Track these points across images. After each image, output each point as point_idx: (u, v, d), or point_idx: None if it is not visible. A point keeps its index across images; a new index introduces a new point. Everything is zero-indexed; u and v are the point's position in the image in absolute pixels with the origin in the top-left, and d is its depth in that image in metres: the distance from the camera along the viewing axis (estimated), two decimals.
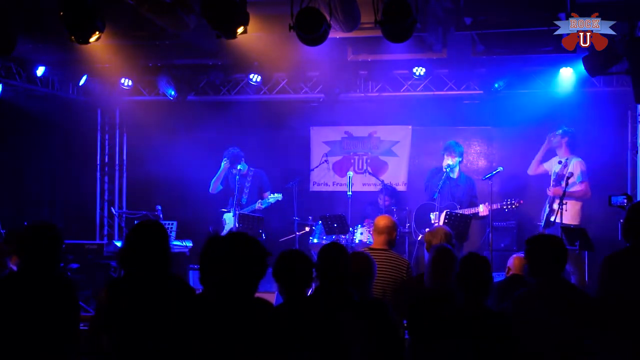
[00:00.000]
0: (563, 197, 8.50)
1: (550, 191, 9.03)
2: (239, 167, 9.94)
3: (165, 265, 3.98)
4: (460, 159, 9.45)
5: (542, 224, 9.25)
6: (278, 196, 9.87)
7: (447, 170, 9.26)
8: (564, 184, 8.78)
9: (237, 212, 9.58)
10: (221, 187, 10.18)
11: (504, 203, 8.96)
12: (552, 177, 9.33)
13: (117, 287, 4.02)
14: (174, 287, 3.92)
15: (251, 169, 10.01)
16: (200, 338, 2.99)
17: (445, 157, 9.37)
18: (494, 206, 8.93)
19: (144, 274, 3.93)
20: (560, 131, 9.42)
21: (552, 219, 8.76)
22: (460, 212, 8.81)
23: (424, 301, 4.83)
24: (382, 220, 6.12)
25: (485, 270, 4.21)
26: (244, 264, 2.99)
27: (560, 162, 9.31)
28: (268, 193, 9.94)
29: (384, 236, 6.01)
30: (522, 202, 9.05)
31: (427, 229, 9.27)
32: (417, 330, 4.33)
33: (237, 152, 10.03)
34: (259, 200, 9.86)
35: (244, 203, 9.85)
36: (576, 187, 9.09)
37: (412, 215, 9.83)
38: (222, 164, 10.04)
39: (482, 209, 9.00)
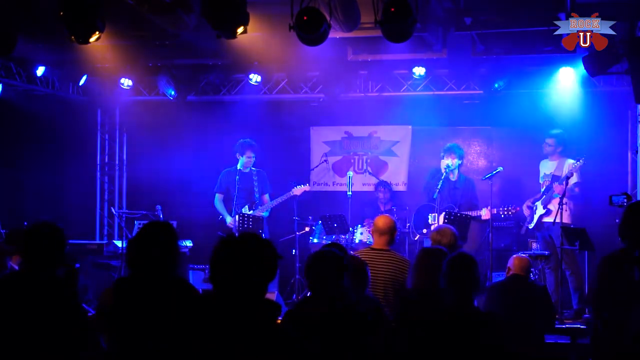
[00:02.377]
0: (563, 197, 8.51)
1: (558, 188, 8.98)
2: (247, 168, 9.81)
3: (173, 267, 3.96)
4: (460, 162, 9.46)
5: (532, 225, 9.26)
6: (305, 187, 9.78)
7: (447, 170, 9.28)
8: (564, 184, 8.77)
9: (241, 212, 9.53)
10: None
11: (501, 209, 8.98)
12: (547, 179, 9.31)
13: (123, 287, 4.01)
14: (178, 289, 3.92)
15: (254, 168, 9.95)
16: (202, 338, 2.99)
17: (444, 158, 9.39)
18: (493, 211, 8.95)
19: (150, 274, 3.92)
20: (550, 137, 9.40)
21: (550, 219, 8.76)
22: (460, 212, 8.83)
23: (412, 301, 4.85)
24: (382, 221, 6.09)
25: (471, 269, 4.19)
26: (253, 264, 2.99)
27: (552, 161, 9.36)
28: (267, 196, 9.84)
29: (386, 237, 5.99)
30: (518, 209, 9.08)
31: (424, 230, 9.36)
32: (408, 329, 4.34)
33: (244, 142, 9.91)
34: (280, 197, 9.67)
35: (257, 202, 9.78)
36: (575, 192, 9.09)
37: (411, 215, 9.83)
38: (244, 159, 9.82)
39: (485, 213, 9.00)
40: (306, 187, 9.81)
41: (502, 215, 9.08)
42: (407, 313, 4.63)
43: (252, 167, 9.84)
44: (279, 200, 9.74)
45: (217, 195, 9.95)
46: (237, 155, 9.84)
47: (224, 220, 9.80)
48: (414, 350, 4.14)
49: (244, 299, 2.93)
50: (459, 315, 4.05)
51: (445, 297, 4.15)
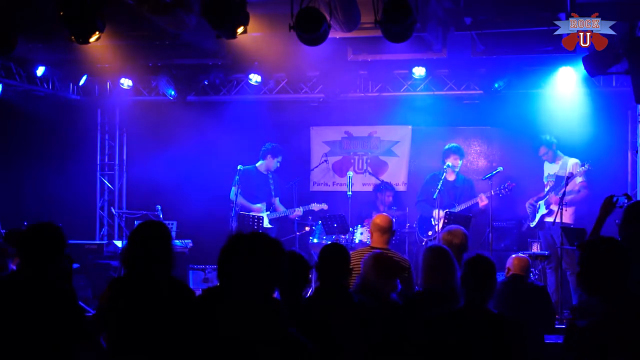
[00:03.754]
0: (563, 197, 8.51)
1: (553, 198, 9.06)
2: (268, 170, 9.88)
3: (168, 266, 3.97)
4: (461, 163, 9.58)
5: (534, 224, 9.28)
6: (323, 205, 9.94)
7: (446, 170, 9.37)
8: (564, 185, 8.77)
9: (239, 212, 9.54)
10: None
11: (499, 188, 9.06)
12: (550, 179, 9.32)
13: (118, 286, 4.02)
14: (172, 288, 3.92)
15: (271, 172, 10.00)
16: (206, 336, 2.98)
17: (449, 158, 9.46)
18: (491, 192, 9.03)
19: (145, 274, 3.92)
20: (544, 145, 9.42)
21: (551, 219, 8.77)
22: (460, 212, 8.87)
23: (421, 301, 4.82)
24: (383, 219, 6.08)
25: (492, 272, 4.16)
26: (261, 264, 2.97)
27: (556, 162, 9.38)
28: (277, 200, 9.95)
29: (387, 235, 6.00)
30: (514, 184, 9.14)
31: (429, 232, 9.39)
32: (413, 330, 4.31)
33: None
34: (300, 207, 9.80)
35: (273, 205, 9.83)
36: (580, 195, 9.09)
37: (411, 216, 9.86)
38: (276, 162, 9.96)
39: (482, 200, 9.11)
40: (324, 206, 9.97)
41: (501, 195, 9.15)
42: (417, 313, 4.61)
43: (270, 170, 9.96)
44: (298, 210, 9.87)
45: (233, 188, 9.89)
46: (269, 157, 9.93)
47: (244, 211, 9.73)
48: (425, 350, 4.10)
49: (250, 298, 2.92)
50: (473, 317, 4.01)
51: (461, 298, 4.10)
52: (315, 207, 9.87)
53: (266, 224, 9.74)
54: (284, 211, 9.87)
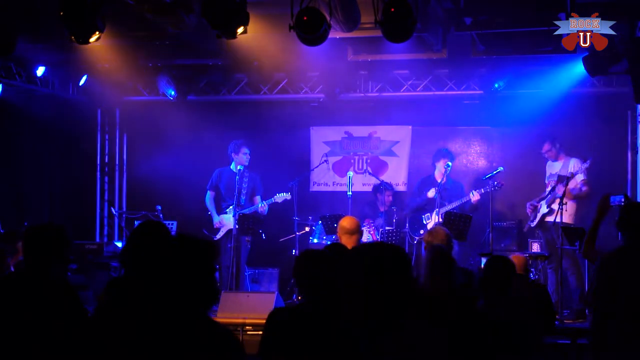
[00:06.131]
0: (563, 197, 8.51)
1: (560, 191, 9.04)
2: (238, 167, 9.78)
3: None
4: (451, 165, 9.65)
5: (535, 223, 9.28)
6: (286, 195, 9.69)
7: (447, 171, 9.42)
8: (564, 184, 8.78)
9: (237, 212, 9.52)
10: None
11: (488, 187, 9.06)
12: (552, 179, 9.33)
13: (117, 286, 4.01)
14: None
15: (246, 170, 9.92)
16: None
17: (441, 162, 9.52)
18: (481, 191, 9.09)
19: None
20: (548, 142, 9.43)
21: (551, 219, 8.77)
22: (461, 212, 8.88)
23: (425, 303, 4.79)
24: (350, 221, 6.15)
25: (511, 275, 4.13)
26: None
27: (558, 161, 9.39)
28: (259, 198, 9.79)
29: (356, 235, 6.05)
30: (504, 183, 9.14)
31: (421, 231, 9.44)
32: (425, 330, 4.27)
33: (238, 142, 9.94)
34: (263, 202, 9.63)
35: (242, 204, 9.77)
36: (583, 191, 9.09)
37: (406, 218, 9.90)
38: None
39: (474, 195, 9.14)
40: (287, 196, 9.72)
41: (490, 191, 9.12)
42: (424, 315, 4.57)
43: (246, 168, 9.81)
44: (262, 205, 9.66)
45: (208, 192, 9.97)
46: (233, 155, 9.84)
47: (211, 218, 9.86)
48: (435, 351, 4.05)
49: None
50: (490, 318, 3.98)
51: (480, 300, 4.08)
52: (279, 198, 9.68)
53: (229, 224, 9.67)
54: (250, 207, 9.70)
